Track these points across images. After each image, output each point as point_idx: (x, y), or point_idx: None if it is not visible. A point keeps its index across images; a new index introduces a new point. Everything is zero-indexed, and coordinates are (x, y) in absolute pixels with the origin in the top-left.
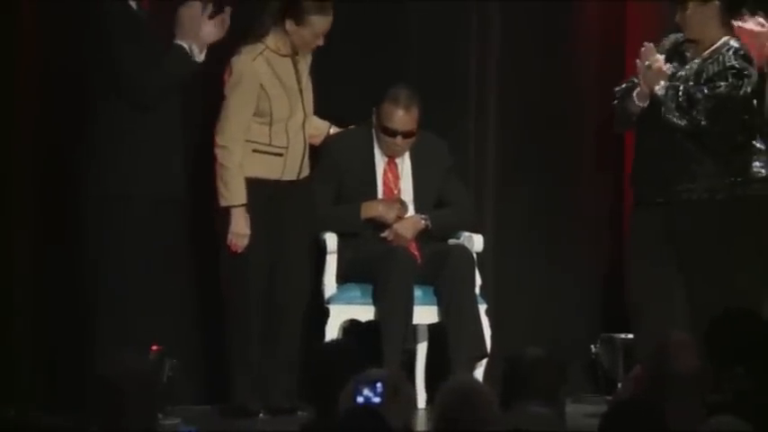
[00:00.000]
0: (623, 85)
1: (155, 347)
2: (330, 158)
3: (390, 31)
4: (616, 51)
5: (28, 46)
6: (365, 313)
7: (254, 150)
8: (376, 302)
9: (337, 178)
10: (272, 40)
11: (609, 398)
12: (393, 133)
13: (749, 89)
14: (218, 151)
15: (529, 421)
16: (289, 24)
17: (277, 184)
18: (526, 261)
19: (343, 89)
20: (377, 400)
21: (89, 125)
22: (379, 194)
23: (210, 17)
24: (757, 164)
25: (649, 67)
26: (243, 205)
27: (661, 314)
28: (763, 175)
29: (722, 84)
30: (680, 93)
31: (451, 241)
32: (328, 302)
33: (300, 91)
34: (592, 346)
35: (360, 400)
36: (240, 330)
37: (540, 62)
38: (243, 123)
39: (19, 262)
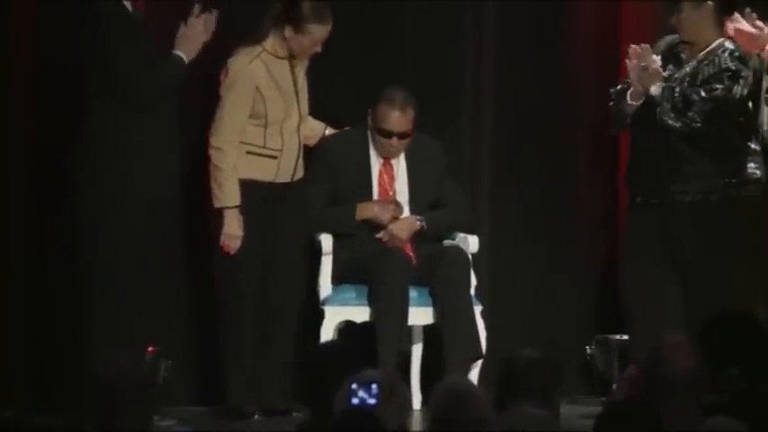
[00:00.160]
0: (619, 87)
1: (150, 348)
2: (325, 159)
3: (386, 31)
4: (611, 51)
5: (23, 46)
6: (360, 314)
7: (249, 152)
8: (371, 303)
9: (332, 179)
10: (270, 42)
11: (604, 399)
12: (388, 134)
13: (744, 91)
14: (212, 152)
15: (524, 422)
16: (287, 31)
17: (271, 186)
18: (521, 262)
19: (339, 90)
20: (372, 401)
21: (84, 125)
22: (375, 195)
23: (197, 18)
24: (752, 165)
25: (645, 68)
26: (236, 207)
27: (655, 315)
28: (758, 176)
29: (718, 86)
30: (676, 94)
31: (447, 242)
32: (323, 303)
33: (296, 93)
34: (587, 348)
35: (355, 401)
36: (234, 331)
37: (535, 62)
38: (237, 125)
39: (13, 262)
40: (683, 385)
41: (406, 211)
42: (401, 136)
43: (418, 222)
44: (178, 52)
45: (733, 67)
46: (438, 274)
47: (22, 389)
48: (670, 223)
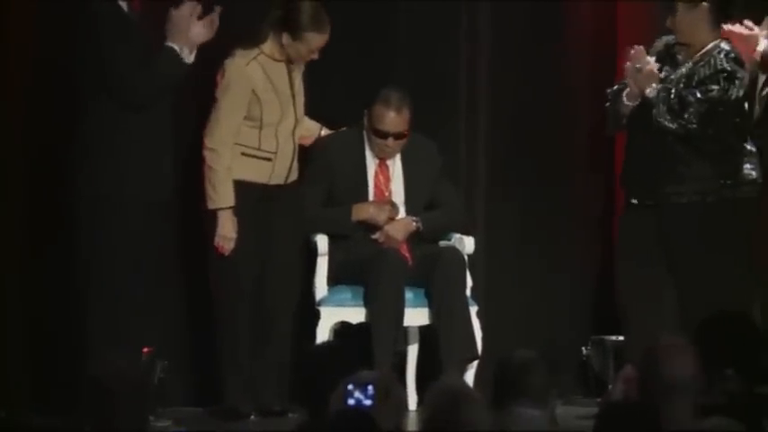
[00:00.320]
0: (615, 87)
1: (146, 349)
2: (321, 160)
3: (381, 32)
4: (608, 52)
5: (19, 46)
6: (356, 315)
7: (243, 154)
8: (367, 304)
9: (328, 180)
10: (268, 45)
11: (599, 400)
12: (384, 135)
13: (740, 92)
14: (206, 153)
15: (519, 423)
16: (285, 38)
17: (265, 187)
18: (517, 262)
19: (334, 90)
20: (368, 402)
21: (80, 126)
22: (370, 196)
23: (199, 18)
24: (748, 166)
25: (640, 69)
26: (230, 208)
27: (650, 316)
28: (754, 177)
29: (714, 87)
30: (672, 96)
31: (442, 243)
32: (319, 304)
33: (293, 96)
34: (582, 348)
35: (350, 402)
36: (229, 332)
37: (530, 62)
38: (233, 126)
39: (10, 262)
40: (678, 386)
41: (402, 212)
42: (397, 136)
43: (414, 223)
44: (170, 44)
45: (729, 69)
46: (434, 274)
47: (19, 389)
48: (665, 224)
